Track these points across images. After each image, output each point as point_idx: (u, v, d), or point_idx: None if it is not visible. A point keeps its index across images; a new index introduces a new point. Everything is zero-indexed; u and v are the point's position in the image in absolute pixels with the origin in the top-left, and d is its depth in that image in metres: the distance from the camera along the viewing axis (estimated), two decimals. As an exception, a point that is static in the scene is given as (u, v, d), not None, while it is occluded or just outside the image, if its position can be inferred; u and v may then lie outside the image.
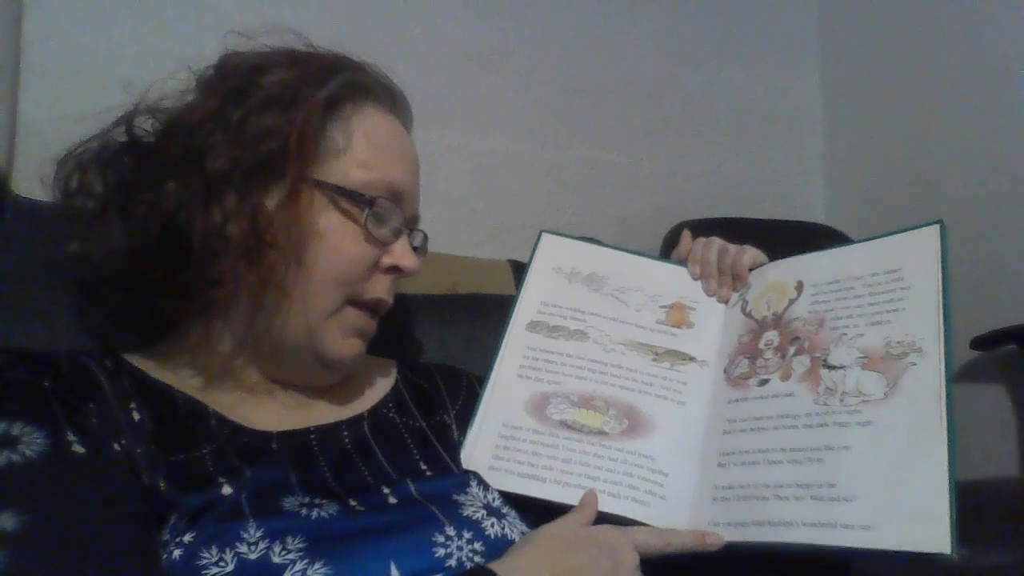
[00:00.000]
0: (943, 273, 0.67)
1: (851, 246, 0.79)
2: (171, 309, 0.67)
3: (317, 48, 0.72)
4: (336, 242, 0.65)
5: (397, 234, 0.69)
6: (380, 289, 0.69)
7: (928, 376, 0.63)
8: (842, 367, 0.68)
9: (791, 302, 0.76)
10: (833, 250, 0.78)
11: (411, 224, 0.73)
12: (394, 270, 0.69)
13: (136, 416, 0.59)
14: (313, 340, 0.66)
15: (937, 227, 0.71)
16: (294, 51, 0.70)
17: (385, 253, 0.68)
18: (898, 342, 0.66)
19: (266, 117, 0.63)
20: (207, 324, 0.66)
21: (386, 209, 0.67)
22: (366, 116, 0.68)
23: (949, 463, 0.58)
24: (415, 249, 0.73)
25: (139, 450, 0.57)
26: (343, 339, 0.67)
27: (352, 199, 0.65)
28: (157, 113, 0.68)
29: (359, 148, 0.67)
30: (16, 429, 0.52)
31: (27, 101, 1.04)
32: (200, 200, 0.62)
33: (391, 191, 0.68)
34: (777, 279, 0.79)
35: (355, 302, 0.67)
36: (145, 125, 0.68)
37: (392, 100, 0.72)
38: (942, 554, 0.55)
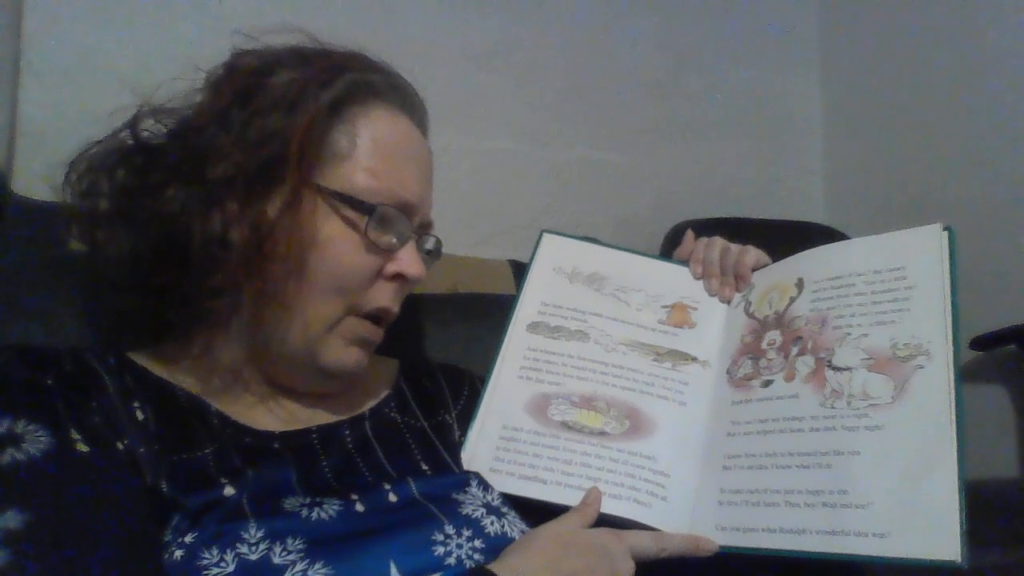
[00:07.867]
0: (951, 278, 0.67)
1: (851, 241, 0.78)
2: (174, 316, 0.66)
3: (329, 45, 0.69)
4: (337, 251, 0.63)
5: (404, 240, 0.66)
6: (384, 298, 0.67)
7: (937, 381, 0.63)
8: (848, 369, 0.67)
9: (792, 300, 0.75)
10: (833, 245, 0.78)
11: (422, 230, 0.70)
12: (398, 278, 0.67)
13: (140, 415, 0.59)
14: (312, 351, 0.65)
15: (939, 227, 0.70)
16: (304, 49, 0.68)
17: (390, 260, 0.66)
18: (904, 344, 0.66)
19: (269, 120, 0.62)
20: (210, 333, 0.66)
21: (390, 216, 0.65)
22: (373, 118, 0.66)
23: (959, 470, 0.58)
24: (428, 252, 0.72)
25: (142, 449, 0.57)
26: (344, 348, 0.66)
27: (353, 206, 0.63)
28: (163, 114, 0.66)
29: (365, 152, 0.65)
30: (20, 427, 0.52)
31: (27, 101, 1.03)
32: (200, 206, 0.61)
33: (400, 202, 0.65)
34: (779, 278, 0.78)
35: (357, 312, 0.66)
36: (153, 127, 0.66)
37: (403, 100, 0.69)
38: (953, 563, 0.55)
